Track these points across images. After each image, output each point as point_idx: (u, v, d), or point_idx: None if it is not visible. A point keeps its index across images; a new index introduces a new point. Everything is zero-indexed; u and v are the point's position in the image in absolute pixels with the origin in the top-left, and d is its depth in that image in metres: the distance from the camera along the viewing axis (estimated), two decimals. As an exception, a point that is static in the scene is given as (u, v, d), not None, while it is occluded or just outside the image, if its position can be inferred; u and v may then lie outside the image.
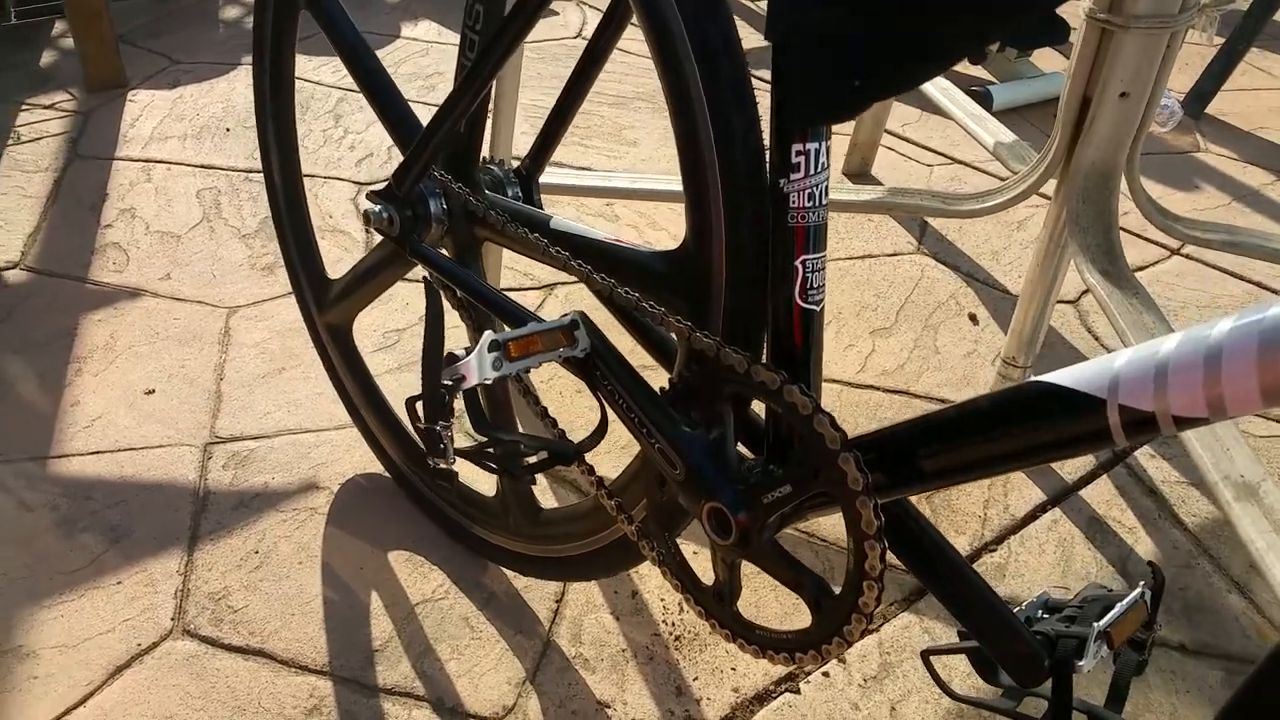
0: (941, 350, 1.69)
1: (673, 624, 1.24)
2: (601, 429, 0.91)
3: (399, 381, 1.55)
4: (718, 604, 0.86)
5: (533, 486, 1.16)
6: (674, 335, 0.83)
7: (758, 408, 0.82)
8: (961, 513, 1.42)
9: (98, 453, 1.38)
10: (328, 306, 1.30)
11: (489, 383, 0.80)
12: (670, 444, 0.82)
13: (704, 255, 0.80)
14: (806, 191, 0.74)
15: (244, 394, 1.51)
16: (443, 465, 0.81)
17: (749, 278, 0.79)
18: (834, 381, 1.62)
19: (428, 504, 1.33)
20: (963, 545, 1.37)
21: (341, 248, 1.81)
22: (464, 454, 0.84)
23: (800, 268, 0.75)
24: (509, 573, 1.29)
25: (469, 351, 0.80)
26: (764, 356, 0.79)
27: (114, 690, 1.12)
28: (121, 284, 1.68)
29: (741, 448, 0.84)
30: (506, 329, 0.85)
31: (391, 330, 1.66)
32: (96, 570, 1.24)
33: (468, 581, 1.27)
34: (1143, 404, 0.56)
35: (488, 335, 0.79)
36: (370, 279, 1.21)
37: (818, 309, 0.77)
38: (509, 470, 0.86)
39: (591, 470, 0.93)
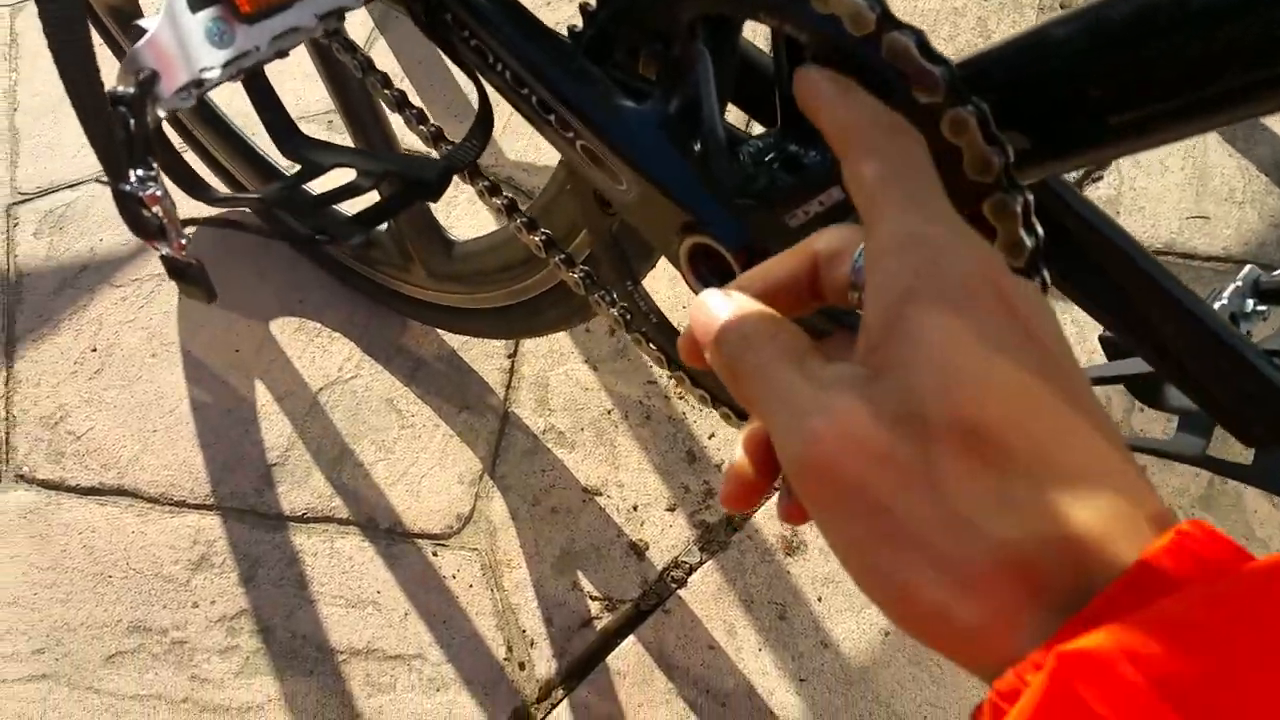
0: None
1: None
2: (483, 121, 0.50)
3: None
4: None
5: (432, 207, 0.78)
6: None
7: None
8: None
9: None
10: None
11: (214, 79, 0.40)
12: (599, 135, 0.42)
13: None
14: None
15: (47, 127, 1.09)
16: (167, 252, 0.42)
17: None
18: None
19: (313, 249, 0.95)
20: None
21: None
22: (213, 220, 0.45)
23: None
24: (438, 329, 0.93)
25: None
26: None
27: (-77, 579, 0.82)
28: None
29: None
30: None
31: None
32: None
33: (383, 348, 0.92)
34: None
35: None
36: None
37: None
38: (324, 231, 0.47)
39: (492, 188, 0.54)
